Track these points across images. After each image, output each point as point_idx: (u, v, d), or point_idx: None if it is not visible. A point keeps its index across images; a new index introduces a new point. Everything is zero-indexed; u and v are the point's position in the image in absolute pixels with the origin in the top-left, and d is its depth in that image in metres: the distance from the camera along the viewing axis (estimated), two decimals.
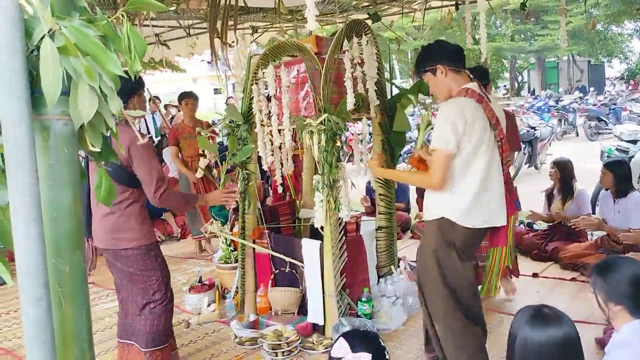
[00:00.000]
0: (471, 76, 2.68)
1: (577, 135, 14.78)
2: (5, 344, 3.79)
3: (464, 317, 2.62)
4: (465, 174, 2.54)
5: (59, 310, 1.08)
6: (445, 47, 2.67)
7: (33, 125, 0.98)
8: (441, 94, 2.70)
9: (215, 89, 33.81)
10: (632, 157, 6.91)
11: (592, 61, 31.92)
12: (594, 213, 5.11)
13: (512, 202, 2.73)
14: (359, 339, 1.63)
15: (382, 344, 1.64)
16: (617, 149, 7.58)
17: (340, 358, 1.58)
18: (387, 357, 1.62)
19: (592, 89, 23.74)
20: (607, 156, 7.41)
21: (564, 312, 1.76)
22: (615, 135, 9.86)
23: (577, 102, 17.61)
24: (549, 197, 5.31)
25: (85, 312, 1.07)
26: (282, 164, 4.00)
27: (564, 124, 14.73)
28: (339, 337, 1.65)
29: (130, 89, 2.71)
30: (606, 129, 13.46)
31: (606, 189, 4.79)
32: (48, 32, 0.98)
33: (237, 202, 3.61)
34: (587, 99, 19.12)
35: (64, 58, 0.98)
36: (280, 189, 4.04)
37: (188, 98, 5.72)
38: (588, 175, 6.36)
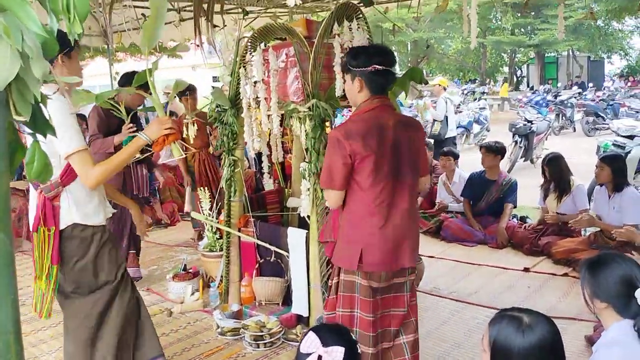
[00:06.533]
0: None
1: (575, 130, 14.67)
2: None
3: None
4: None
5: None
6: None
7: None
8: None
9: (214, 77, 33.50)
10: (629, 152, 6.83)
11: (592, 57, 31.75)
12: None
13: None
14: (330, 332, 1.54)
15: (354, 337, 1.55)
16: (613, 144, 7.47)
17: (310, 353, 1.48)
18: (358, 351, 1.53)
19: (591, 84, 23.62)
20: (603, 151, 7.31)
21: (542, 314, 1.64)
22: (612, 131, 9.76)
23: (575, 97, 17.47)
24: (545, 190, 5.25)
25: (11, 303, 0.95)
26: (270, 150, 3.90)
27: (562, 119, 14.61)
28: (307, 331, 1.55)
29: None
30: (604, 124, 13.34)
31: (601, 185, 4.71)
32: None
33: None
34: (585, 95, 18.99)
35: None
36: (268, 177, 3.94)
37: (186, 94, 5.34)
38: (583, 171, 6.28)
